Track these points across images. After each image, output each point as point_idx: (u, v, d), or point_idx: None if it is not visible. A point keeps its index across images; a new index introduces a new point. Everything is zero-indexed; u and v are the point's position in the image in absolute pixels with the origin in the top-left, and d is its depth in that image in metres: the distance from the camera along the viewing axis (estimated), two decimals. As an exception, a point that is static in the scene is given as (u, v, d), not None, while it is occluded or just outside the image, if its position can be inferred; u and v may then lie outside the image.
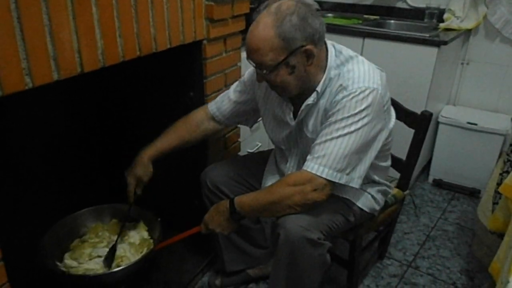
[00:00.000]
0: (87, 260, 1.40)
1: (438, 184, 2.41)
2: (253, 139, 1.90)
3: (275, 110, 1.29)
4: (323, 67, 1.15)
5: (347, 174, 1.11)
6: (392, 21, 2.48)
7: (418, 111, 1.51)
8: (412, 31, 2.16)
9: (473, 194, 2.32)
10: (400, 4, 2.53)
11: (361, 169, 1.14)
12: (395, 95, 1.55)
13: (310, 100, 1.16)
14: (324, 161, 1.09)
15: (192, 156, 1.56)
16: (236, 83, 1.40)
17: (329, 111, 1.14)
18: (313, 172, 1.10)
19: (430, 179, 2.44)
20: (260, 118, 1.41)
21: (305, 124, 1.22)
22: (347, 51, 1.18)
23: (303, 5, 1.06)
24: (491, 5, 2.22)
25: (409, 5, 2.49)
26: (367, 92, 1.09)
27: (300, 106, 1.19)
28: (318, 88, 1.15)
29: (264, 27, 1.05)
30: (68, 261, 1.39)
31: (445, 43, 1.96)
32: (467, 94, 2.47)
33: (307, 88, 1.16)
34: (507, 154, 1.51)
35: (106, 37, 1.03)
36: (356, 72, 1.12)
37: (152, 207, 1.53)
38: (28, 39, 0.86)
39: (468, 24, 2.23)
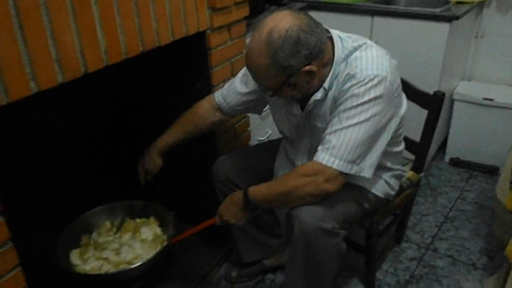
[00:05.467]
0: (92, 260, 1.40)
1: (455, 163, 2.36)
2: (263, 127, 1.88)
3: (282, 103, 1.27)
4: (330, 63, 1.11)
5: (358, 165, 1.09)
6: (401, -3, 2.40)
7: (432, 90, 1.46)
8: (422, 6, 2.08)
9: (492, 171, 2.27)
10: (408, -21, 2.44)
11: (372, 158, 1.11)
12: (407, 74, 1.50)
13: (318, 95, 1.14)
14: (335, 152, 1.07)
15: (202, 148, 1.55)
16: (242, 72, 1.36)
17: (338, 99, 1.11)
18: (324, 163, 1.07)
19: (447, 158, 2.39)
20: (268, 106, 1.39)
21: (314, 115, 1.20)
22: (355, 40, 1.14)
23: (295, 25, 1.01)
24: (504, -26, 2.13)
25: (418, -21, 2.40)
26: (376, 80, 1.05)
27: (308, 100, 1.17)
28: (326, 85, 1.12)
29: (259, 55, 1.04)
30: (74, 259, 1.40)
31: (457, 18, 1.89)
32: (482, 68, 2.40)
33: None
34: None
35: (108, 36, 1.01)
36: (364, 59, 1.09)
37: (164, 202, 1.53)
38: (30, 43, 0.85)
39: (480, -4, 2.14)
